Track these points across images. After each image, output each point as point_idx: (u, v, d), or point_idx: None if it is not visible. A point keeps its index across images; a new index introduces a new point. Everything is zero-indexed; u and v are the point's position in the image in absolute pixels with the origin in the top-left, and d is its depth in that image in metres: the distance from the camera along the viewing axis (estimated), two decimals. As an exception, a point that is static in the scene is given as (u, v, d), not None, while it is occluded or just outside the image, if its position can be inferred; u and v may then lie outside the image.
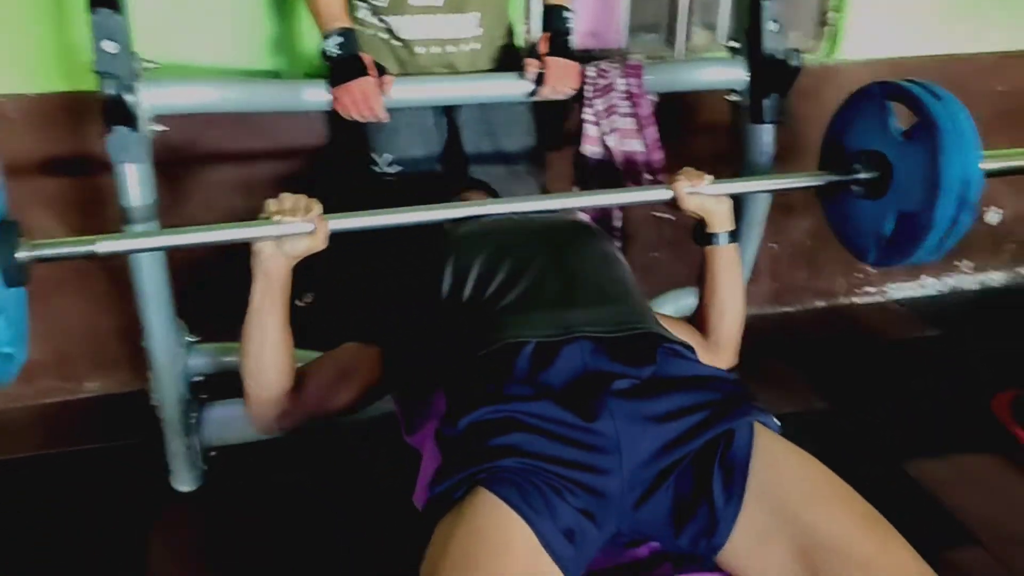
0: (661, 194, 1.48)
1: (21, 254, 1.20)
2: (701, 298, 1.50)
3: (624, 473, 1.05)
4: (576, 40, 2.00)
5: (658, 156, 1.82)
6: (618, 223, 1.90)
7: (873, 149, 1.58)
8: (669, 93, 1.85)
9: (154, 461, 1.91)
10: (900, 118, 1.57)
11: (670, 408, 1.08)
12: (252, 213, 1.28)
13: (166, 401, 1.73)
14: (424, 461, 1.34)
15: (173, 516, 1.81)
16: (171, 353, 1.67)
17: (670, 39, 2.32)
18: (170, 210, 1.85)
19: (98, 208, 2.05)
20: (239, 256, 1.40)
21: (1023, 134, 2.69)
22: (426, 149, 1.89)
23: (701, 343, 1.43)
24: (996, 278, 2.98)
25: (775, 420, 1.13)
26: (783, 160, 1.88)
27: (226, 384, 1.83)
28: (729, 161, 1.87)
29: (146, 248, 1.43)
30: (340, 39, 1.63)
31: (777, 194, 1.84)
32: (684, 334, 1.35)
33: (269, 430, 1.36)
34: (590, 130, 1.81)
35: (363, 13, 1.75)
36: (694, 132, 2.25)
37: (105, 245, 1.28)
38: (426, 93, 1.74)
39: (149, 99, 1.46)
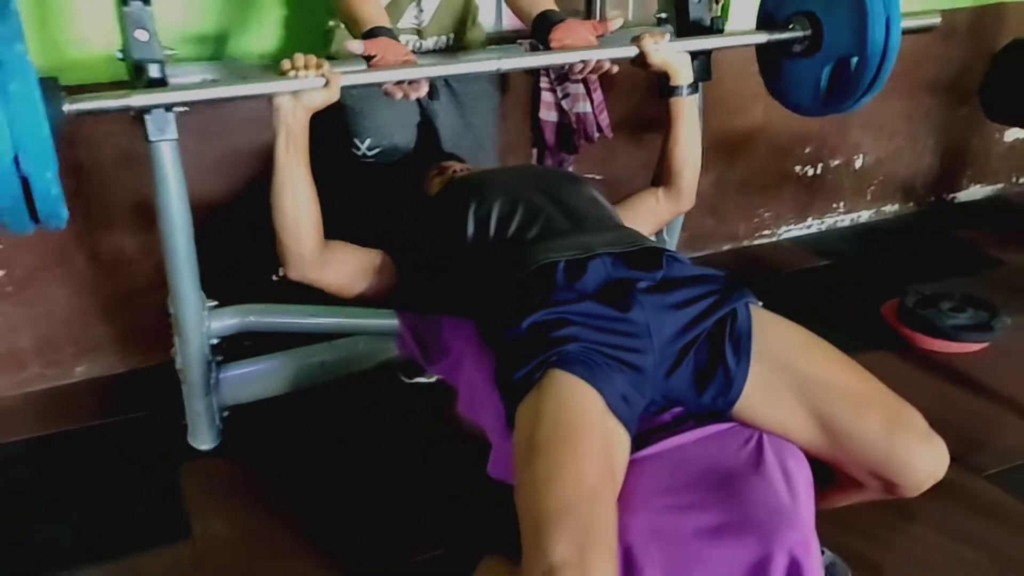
0: (629, 51, 1.74)
1: (68, 107, 1.33)
2: (664, 151, 1.80)
3: (655, 351, 1.32)
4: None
5: (605, 115, 2.11)
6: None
7: (803, 10, 1.85)
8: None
9: (166, 428, 2.07)
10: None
11: (684, 298, 1.37)
12: (235, 189, 1.46)
13: (190, 363, 1.88)
14: (464, 373, 1.57)
15: (199, 471, 1.97)
16: (196, 317, 1.83)
17: (589, 17, 2.61)
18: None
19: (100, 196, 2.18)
20: (250, 226, 1.59)
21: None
22: (403, 133, 2.08)
23: (662, 197, 1.78)
24: (864, 215, 3.45)
25: (759, 301, 1.44)
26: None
27: (237, 347, 2.02)
28: (658, 120, 2.16)
29: (177, 102, 1.54)
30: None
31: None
32: (645, 202, 1.74)
33: (307, 280, 1.63)
34: (546, 97, 2.08)
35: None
36: (632, 93, 2.53)
37: (139, 99, 1.46)
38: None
39: (178, 83, 1.62)
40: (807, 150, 3.17)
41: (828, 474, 1.41)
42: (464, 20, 2.02)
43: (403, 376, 2.30)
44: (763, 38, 1.91)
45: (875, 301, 2.67)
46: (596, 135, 2.12)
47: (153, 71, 1.54)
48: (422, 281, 1.65)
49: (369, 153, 2.06)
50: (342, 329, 1.97)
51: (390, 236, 1.76)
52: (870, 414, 1.28)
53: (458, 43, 2.05)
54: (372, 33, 1.66)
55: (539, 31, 1.81)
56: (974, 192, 3.67)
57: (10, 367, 2.23)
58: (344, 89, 1.89)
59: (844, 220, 3.41)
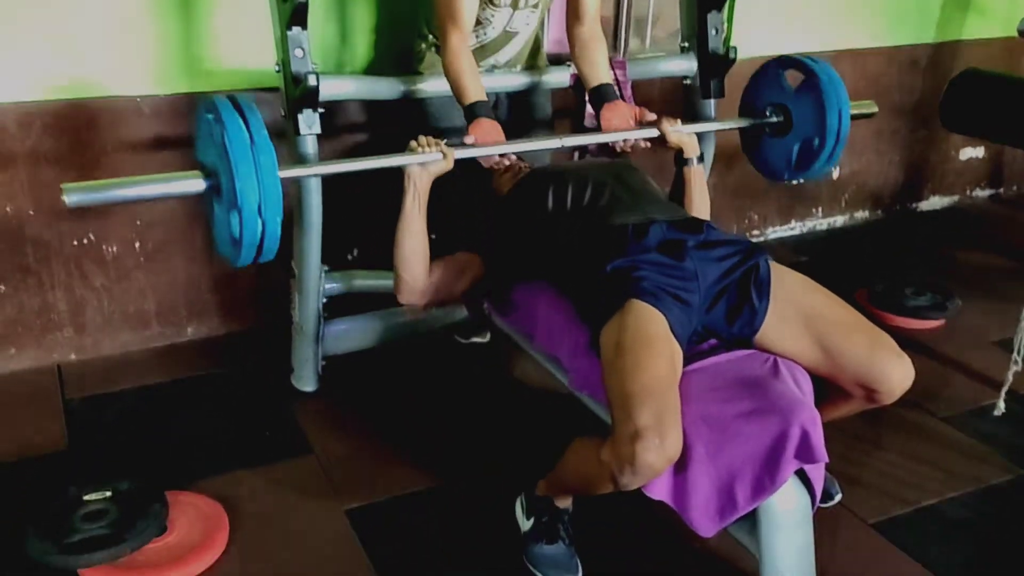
0: (651, 132, 2.20)
1: (282, 174, 1.73)
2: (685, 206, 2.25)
3: (701, 290, 1.79)
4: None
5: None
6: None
7: (777, 102, 2.37)
8: (642, 80, 2.61)
9: (270, 377, 2.52)
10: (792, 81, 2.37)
11: (723, 254, 1.83)
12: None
13: (307, 316, 2.32)
14: (540, 317, 2.02)
15: (308, 407, 2.41)
16: (316, 279, 2.27)
17: (615, 45, 3.10)
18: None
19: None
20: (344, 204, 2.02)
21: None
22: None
23: None
24: (839, 220, 3.97)
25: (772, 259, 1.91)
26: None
27: (337, 306, 2.46)
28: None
29: (344, 171, 2.06)
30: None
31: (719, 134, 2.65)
32: None
33: (414, 305, 2.05)
34: (589, 108, 2.55)
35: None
36: (658, 107, 3.00)
37: (326, 168, 2.01)
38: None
39: (324, 90, 2.07)
40: (792, 161, 3.67)
41: (823, 394, 1.88)
42: (535, 54, 2.51)
43: (459, 337, 2.75)
44: (748, 123, 2.43)
45: (849, 288, 3.16)
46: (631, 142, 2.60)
47: (311, 80, 1.99)
48: (504, 259, 2.10)
49: None
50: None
51: (467, 233, 2.19)
52: (857, 338, 1.75)
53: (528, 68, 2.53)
54: (472, 110, 2.11)
55: (594, 100, 2.30)
56: (934, 202, 4.22)
57: (138, 325, 2.65)
58: (428, 98, 2.38)
59: (822, 224, 3.92)
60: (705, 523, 1.62)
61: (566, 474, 1.79)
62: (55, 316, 2.54)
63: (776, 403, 1.63)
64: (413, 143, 1.94)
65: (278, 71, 2.08)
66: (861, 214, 4.02)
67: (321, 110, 2.10)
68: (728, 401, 1.66)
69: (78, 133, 2.39)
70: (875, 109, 2.54)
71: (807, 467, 1.63)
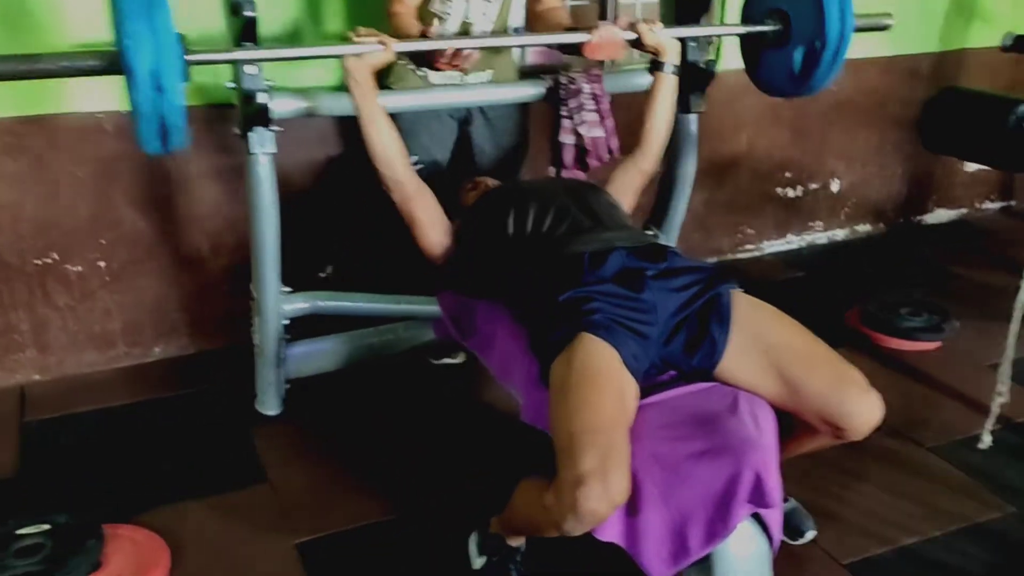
0: (629, 34, 2.11)
1: (189, 57, 1.68)
2: (644, 114, 2.18)
3: (659, 322, 1.70)
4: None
5: (614, 139, 2.49)
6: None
7: (776, 8, 2.23)
8: (621, 93, 2.52)
9: (234, 399, 2.44)
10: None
11: (682, 283, 1.74)
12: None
13: (267, 339, 2.25)
14: (497, 347, 1.94)
15: (268, 432, 2.34)
16: (275, 300, 2.20)
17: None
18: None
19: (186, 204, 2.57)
20: (297, 225, 1.97)
21: (855, 120, 3.57)
22: (442, 151, 2.47)
23: (631, 162, 2.18)
24: (840, 234, 3.85)
25: (739, 287, 1.82)
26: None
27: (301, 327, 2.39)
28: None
29: (273, 58, 1.98)
30: None
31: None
32: (620, 176, 2.18)
33: (402, 203, 2.04)
34: (565, 123, 2.46)
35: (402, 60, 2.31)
36: (639, 121, 2.93)
37: (239, 54, 1.86)
38: (448, 99, 2.34)
39: (277, 108, 2.01)
40: (787, 174, 3.57)
41: (790, 428, 1.79)
42: (504, 59, 2.44)
43: (431, 359, 2.67)
44: (743, 29, 2.30)
45: (843, 307, 3.05)
46: (607, 156, 2.50)
47: (260, 98, 1.92)
48: (466, 269, 2.03)
49: (415, 168, 2.44)
50: (392, 313, 2.35)
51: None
52: (821, 371, 1.65)
53: (497, 77, 2.45)
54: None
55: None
56: (939, 215, 4.09)
57: (103, 346, 2.60)
58: (397, 114, 2.31)
59: (821, 238, 3.81)
60: (658, 567, 1.53)
61: (514, 516, 1.71)
62: (17, 336, 2.49)
63: (729, 443, 1.54)
64: (350, 34, 1.91)
65: (232, 87, 2.01)
66: (863, 228, 3.90)
67: (279, 128, 2.04)
68: (680, 439, 1.58)
69: (34, 151, 2.34)
70: (890, 22, 2.40)
71: (763, 511, 1.55)
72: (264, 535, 1.95)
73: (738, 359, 1.70)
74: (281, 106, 2.03)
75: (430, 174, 2.45)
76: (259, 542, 1.93)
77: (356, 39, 1.89)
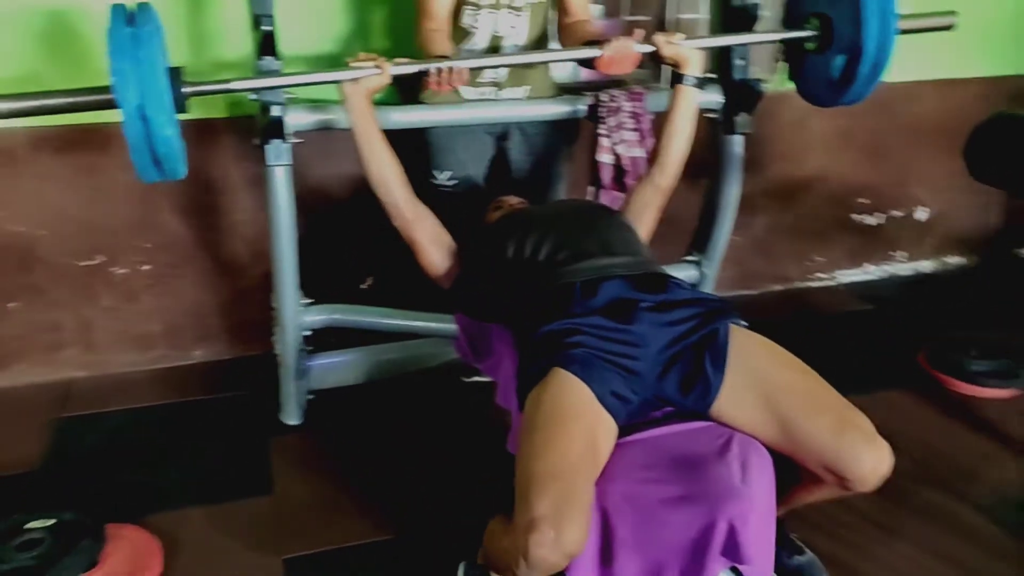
0: (645, 47, 2.02)
1: (185, 89, 1.70)
2: (663, 129, 2.06)
3: (650, 358, 1.61)
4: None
5: (655, 160, 2.40)
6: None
7: (819, 11, 2.08)
8: (663, 112, 2.42)
9: (262, 406, 2.46)
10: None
11: (678, 317, 1.64)
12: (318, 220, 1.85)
13: (287, 350, 2.26)
14: (501, 372, 1.89)
15: (286, 443, 2.34)
16: (294, 312, 2.21)
17: (655, 74, 2.91)
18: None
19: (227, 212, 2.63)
20: (327, 234, 1.89)
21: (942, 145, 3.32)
22: (477, 167, 2.42)
23: (649, 179, 2.05)
24: (926, 266, 3.60)
25: (743, 322, 1.70)
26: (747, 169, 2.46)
27: (324, 340, 2.40)
28: (707, 165, 2.44)
29: (266, 87, 1.93)
30: None
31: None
32: (639, 195, 2.05)
33: (402, 228, 1.99)
34: (604, 142, 2.38)
35: None
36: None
37: (237, 84, 1.85)
38: (481, 114, 2.30)
39: (292, 120, 2.02)
40: (863, 200, 3.36)
41: (798, 476, 1.66)
42: (541, 71, 2.37)
43: (463, 376, 2.63)
44: (773, 36, 2.17)
45: (915, 345, 2.83)
46: (646, 177, 2.42)
47: (274, 111, 1.94)
48: (475, 290, 1.98)
49: (447, 184, 2.41)
50: (410, 330, 2.33)
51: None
52: (823, 416, 1.52)
53: (533, 93, 2.39)
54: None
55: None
56: (1043, 250, 3.76)
57: (144, 347, 2.68)
58: (430, 128, 2.29)
59: (905, 269, 3.57)
60: (634, 617, 1.45)
61: (487, 553, 1.65)
62: (64, 334, 2.59)
63: (707, 491, 1.45)
64: (348, 59, 1.89)
65: (254, 99, 2.03)
66: (953, 260, 3.63)
67: (298, 140, 2.05)
68: (656, 482, 1.49)
69: (87, 157, 2.43)
70: (953, 21, 2.18)
71: (743, 568, 1.44)
72: (255, 547, 1.94)
73: (734, 399, 1.59)
74: (297, 119, 2.03)
75: (463, 190, 2.43)
76: (249, 555, 1.92)
77: (353, 64, 1.87)
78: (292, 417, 2.40)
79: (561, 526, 1.32)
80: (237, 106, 2.46)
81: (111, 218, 2.52)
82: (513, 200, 2.21)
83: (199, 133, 2.48)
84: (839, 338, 2.97)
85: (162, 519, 2.01)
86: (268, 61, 1.95)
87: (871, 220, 3.42)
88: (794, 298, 3.33)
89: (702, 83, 2.06)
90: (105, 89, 1.60)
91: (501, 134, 2.44)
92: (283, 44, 2.00)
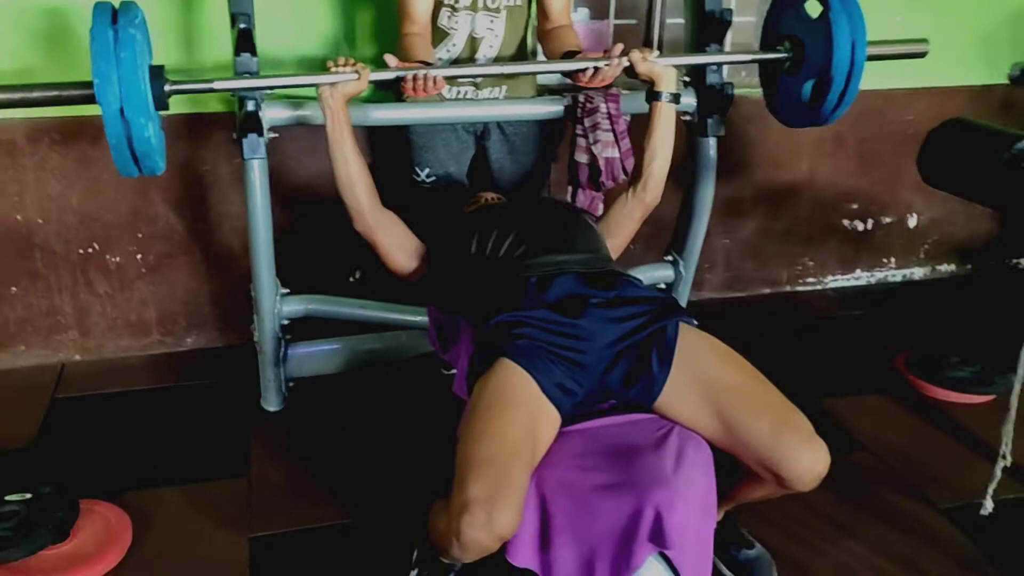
0: (621, 63, 2.06)
1: (166, 87, 1.76)
2: (642, 148, 2.09)
3: (595, 352, 1.65)
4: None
5: (630, 160, 2.43)
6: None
7: (792, 34, 2.09)
8: (638, 114, 2.47)
9: (247, 393, 2.53)
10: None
11: (626, 314, 1.69)
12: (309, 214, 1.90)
13: (265, 339, 2.33)
14: (459, 363, 1.95)
15: (265, 428, 2.42)
16: (271, 301, 2.28)
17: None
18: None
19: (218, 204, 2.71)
20: (318, 227, 1.94)
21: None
22: (457, 166, 2.47)
23: (631, 194, 2.09)
24: (917, 272, 3.60)
25: (694, 320, 1.74)
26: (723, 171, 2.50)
27: (304, 328, 2.47)
28: (682, 166, 2.48)
29: (248, 88, 2.00)
30: None
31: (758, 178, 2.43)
32: (619, 208, 2.08)
33: (363, 232, 2.02)
34: (580, 142, 2.42)
35: None
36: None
37: (220, 84, 1.91)
38: (460, 113, 2.36)
39: (269, 115, 2.09)
40: (854, 206, 3.38)
41: (738, 473, 1.70)
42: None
43: (443, 369, 2.69)
44: (747, 57, 2.19)
45: (892, 351, 2.85)
46: (622, 177, 2.45)
47: (250, 106, 2.01)
48: (442, 283, 2.04)
49: (427, 180, 2.47)
50: (385, 321, 2.39)
51: (429, 243, 2.15)
52: (762, 415, 1.56)
53: (512, 93, 2.45)
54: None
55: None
56: (1038, 259, 3.75)
57: (139, 333, 2.78)
58: (411, 126, 2.35)
59: (896, 276, 3.57)
60: (571, 601, 1.50)
61: (430, 533, 1.71)
62: (61, 318, 2.69)
63: (636, 479, 1.50)
64: (329, 63, 1.93)
65: (232, 95, 2.11)
66: (945, 268, 3.63)
67: (273, 135, 2.12)
68: (590, 470, 1.55)
69: (84, 149, 2.53)
70: (925, 48, 2.19)
71: (672, 554, 1.48)
72: (224, 526, 2.02)
73: (678, 396, 1.64)
74: (274, 114, 2.11)
75: (443, 187, 2.49)
76: (217, 532, 2.00)
77: (333, 68, 1.91)
78: (272, 404, 2.47)
79: (493, 509, 1.38)
80: (229, 102, 2.54)
81: (107, 208, 2.61)
82: (490, 196, 2.27)
83: (192, 127, 2.58)
84: (823, 342, 3.00)
85: (138, 497, 2.09)
86: (245, 58, 2.02)
87: (862, 226, 3.44)
88: (783, 301, 3.36)
89: (678, 98, 2.10)
90: (89, 84, 1.66)
91: (481, 133, 2.50)
92: (271, 42, 2.07)
